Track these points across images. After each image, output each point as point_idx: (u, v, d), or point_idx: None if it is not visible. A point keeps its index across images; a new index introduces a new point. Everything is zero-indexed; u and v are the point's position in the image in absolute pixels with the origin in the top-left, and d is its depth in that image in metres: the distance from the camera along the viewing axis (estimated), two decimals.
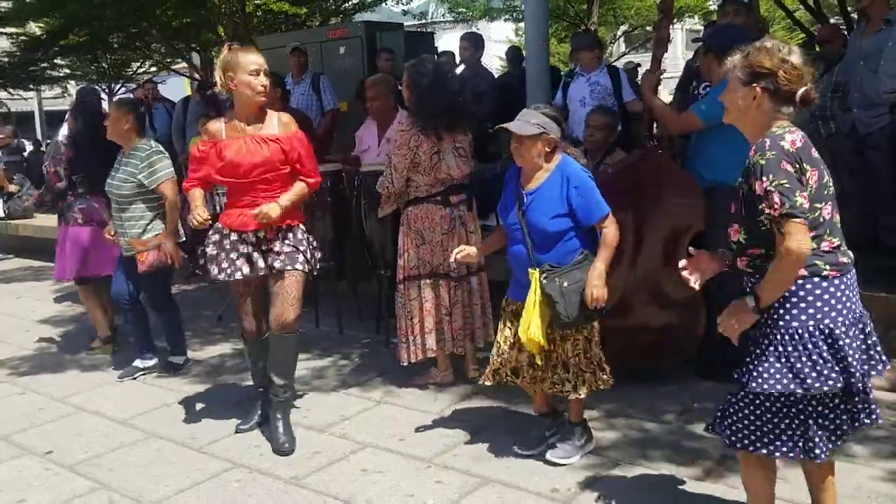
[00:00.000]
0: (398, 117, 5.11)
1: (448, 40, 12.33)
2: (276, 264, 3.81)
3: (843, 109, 5.40)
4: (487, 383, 3.58)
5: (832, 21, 10.48)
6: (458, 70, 7.43)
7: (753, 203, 2.41)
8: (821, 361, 2.41)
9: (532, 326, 3.20)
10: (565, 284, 3.19)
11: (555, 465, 3.48)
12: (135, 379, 5.04)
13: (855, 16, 8.18)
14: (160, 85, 11.20)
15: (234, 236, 3.82)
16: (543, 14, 5.48)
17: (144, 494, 3.52)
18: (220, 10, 11.80)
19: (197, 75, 14.91)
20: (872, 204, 5.19)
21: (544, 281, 3.20)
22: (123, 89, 21.94)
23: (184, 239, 5.03)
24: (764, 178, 2.35)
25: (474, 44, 7.19)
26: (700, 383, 4.30)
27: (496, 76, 8.32)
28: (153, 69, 19.41)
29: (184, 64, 16.61)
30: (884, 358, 2.54)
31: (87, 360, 5.52)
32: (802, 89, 2.43)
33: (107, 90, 20.45)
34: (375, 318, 5.62)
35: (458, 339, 4.48)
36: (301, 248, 3.87)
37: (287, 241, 3.85)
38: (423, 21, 22.06)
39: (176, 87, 16.40)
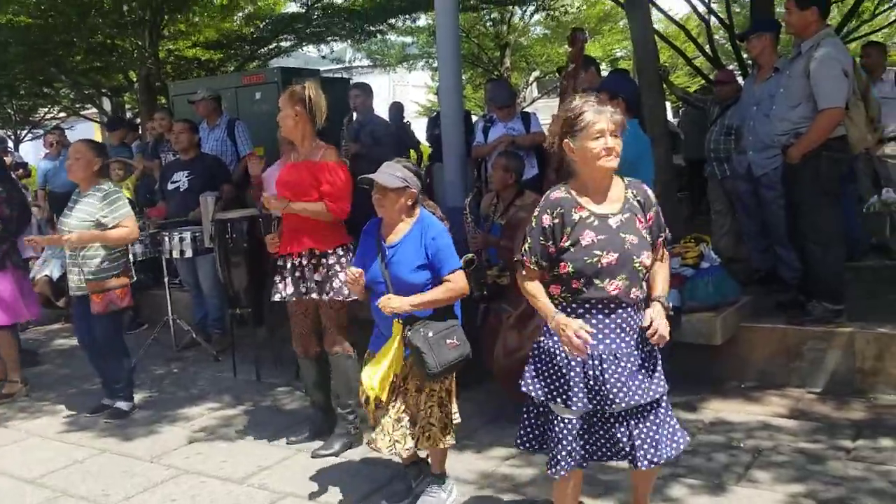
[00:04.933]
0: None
1: None
2: (313, 293, 4.12)
3: (738, 152, 5.69)
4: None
5: (729, 68, 11.04)
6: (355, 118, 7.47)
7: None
8: (548, 379, 2.84)
9: (374, 375, 3.18)
10: (430, 334, 3.18)
11: None
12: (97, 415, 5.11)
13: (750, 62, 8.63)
14: (68, 131, 10.93)
15: (289, 262, 4.17)
16: (457, 60, 5.64)
17: None
18: (133, 56, 11.61)
19: (106, 119, 14.58)
20: (770, 241, 5.47)
21: (409, 332, 3.19)
22: (30, 136, 21.30)
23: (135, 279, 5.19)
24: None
25: (366, 92, 7.42)
26: None
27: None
28: (61, 115, 18.92)
29: (93, 109, 16.23)
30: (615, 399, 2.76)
31: None
32: None
33: (13, 137, 19.81)
34: (294, 364, 5.55)
35: None
36: (331, 274, 4.11)
37: (322, 268, 4.11)
38: (342, 66, 22.21)
39: (85, 133, 16.00)
